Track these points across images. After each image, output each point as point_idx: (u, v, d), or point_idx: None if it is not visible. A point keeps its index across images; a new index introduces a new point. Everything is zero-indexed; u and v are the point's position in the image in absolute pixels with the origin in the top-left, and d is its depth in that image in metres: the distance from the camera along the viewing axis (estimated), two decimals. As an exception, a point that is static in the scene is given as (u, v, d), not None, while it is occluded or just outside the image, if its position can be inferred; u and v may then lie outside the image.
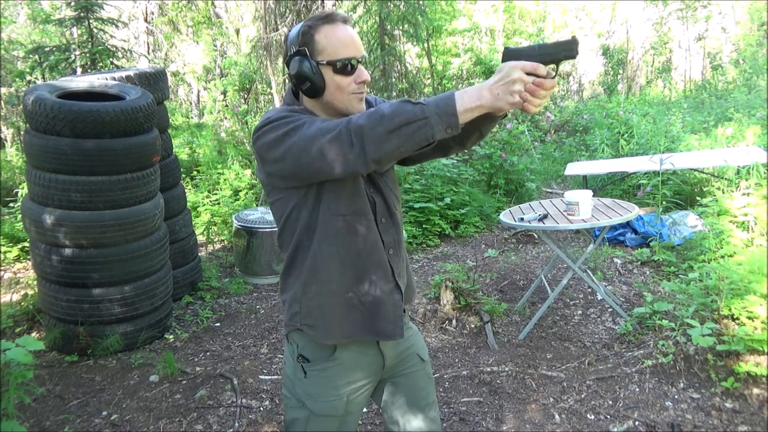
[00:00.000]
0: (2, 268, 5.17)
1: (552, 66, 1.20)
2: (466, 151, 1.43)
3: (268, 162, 1.35)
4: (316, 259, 1.42)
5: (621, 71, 16.17)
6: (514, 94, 1.17)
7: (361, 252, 1.42)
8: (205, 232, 5.88)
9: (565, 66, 17.73)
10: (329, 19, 1.36)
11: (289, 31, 1.41)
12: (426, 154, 1.47)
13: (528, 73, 1.17)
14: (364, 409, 2.77)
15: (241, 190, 6.76)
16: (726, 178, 5.38)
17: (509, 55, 1.21)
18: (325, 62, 1.35)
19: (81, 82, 3.80)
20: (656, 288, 3.99)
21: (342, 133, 1.22)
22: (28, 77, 8.47)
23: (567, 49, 1.18)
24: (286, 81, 10.08)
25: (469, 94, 1.19)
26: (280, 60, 9.57)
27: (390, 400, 1.59)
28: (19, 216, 4.82)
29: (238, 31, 15.42)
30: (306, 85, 1.37)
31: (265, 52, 8.39)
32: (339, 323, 1.43)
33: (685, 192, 5.72)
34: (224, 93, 11.58)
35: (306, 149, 1.26)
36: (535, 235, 5.48)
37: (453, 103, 1.18)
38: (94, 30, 7.94)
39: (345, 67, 1.35)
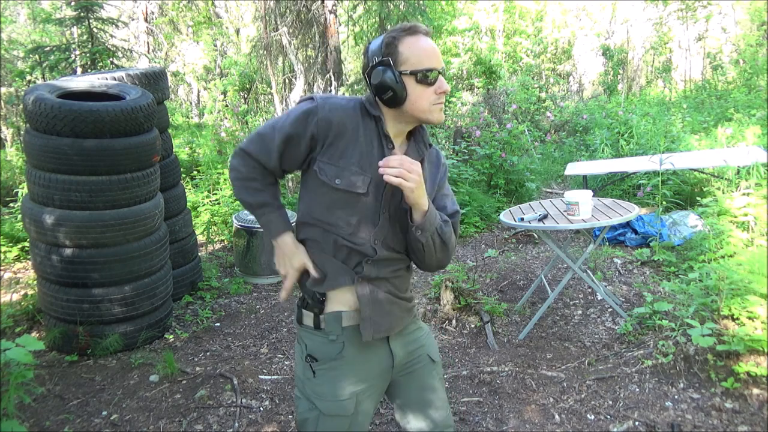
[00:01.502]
0: (2, 268, 5.16)
1: None
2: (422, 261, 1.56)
3: None
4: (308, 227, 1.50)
5: (621, 71, 16.16)
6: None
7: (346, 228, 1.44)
8: (205, 232, 5.88)
9: (566, 66, 17.76)
10: (412, 30, 1.40)
11: (370, 43, 1.47)
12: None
13: None
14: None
15: (241, 190, 6.75)
16: (726, 178, 5.37)
17: None
18: (408, 72, 1.39)
19: (81, 82, 3.79)
20: (656, 288, 3.99)
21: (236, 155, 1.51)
22: (28, 77, 8.47)
23: None
24: (286, 81, 10.08)
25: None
26: (280, 60, 9.57)
27: (402, 400, 1.59)
28: (19, 216, 4.82)
29: (238, 31, 15.44)
30: (388, 94, 1.39)
31: (265, 52, 8.38)
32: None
33: (685, 192, 5.72)
34: (224, 93, 11.59)
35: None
36: (535, 235, 5.48)
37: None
38: (94, 30, 7.93)
39: (427, 77, 1.39)
